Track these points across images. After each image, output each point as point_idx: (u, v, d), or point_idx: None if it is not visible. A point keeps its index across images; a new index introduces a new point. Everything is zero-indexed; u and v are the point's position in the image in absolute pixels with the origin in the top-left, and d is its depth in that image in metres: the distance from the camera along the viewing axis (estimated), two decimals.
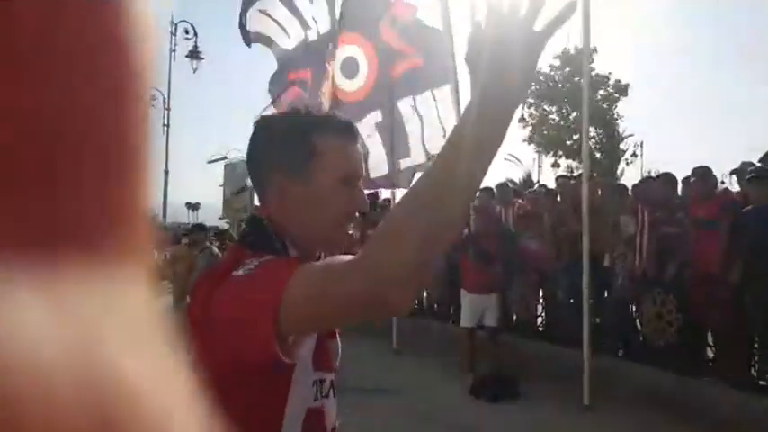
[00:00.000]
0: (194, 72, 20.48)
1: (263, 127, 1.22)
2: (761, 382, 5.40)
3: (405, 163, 6.43)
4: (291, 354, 0.98)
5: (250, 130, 1.26)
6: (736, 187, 6.70)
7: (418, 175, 6.66)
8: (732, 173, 6.10)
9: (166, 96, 21.11)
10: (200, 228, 8.06)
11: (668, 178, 6.15)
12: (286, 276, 0.92)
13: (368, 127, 6.38)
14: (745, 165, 6.05)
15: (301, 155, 1.13)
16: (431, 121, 6.31)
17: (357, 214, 1.21)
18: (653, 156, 62.11)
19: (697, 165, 6.05)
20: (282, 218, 1.15)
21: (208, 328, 1.02)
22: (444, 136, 6.39)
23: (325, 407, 1.14)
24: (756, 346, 5.52)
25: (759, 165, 5.66)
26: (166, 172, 21.75)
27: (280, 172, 1.14)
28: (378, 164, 6.45)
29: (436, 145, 6.34)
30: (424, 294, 9.43)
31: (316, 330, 1.09)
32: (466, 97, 0.96)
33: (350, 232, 1.26)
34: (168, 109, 21.07)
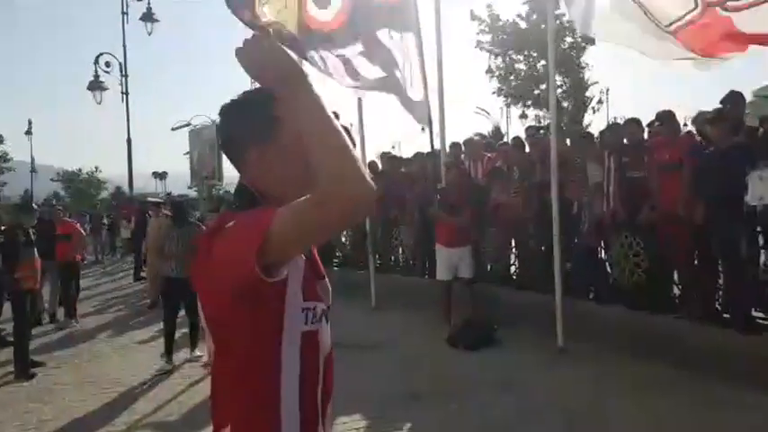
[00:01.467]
0: (149, 35, 19.80)
1: (228, 111, 1.44)
2: (725, 315, 5.60)
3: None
4: (279, 274, 1.23)
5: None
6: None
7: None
8: (692, 122, 6.18)
9: (122, 62, 20.40)
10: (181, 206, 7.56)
11: (634, 122, 6.22)
12: (270, 213, 1.18)
13: (353, 57, 6.47)
14: (701, 114, 6.13)
15: (266, 123, 1.36)
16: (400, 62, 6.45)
17: None
18: (619, 103, 62.59)
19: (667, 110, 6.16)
20: (263, 183, 1.39)
21: (209, 272, 1.28)
22: (411, 83, 6.54)
23: (320, 330, 1.38)
24: (721, 281, 5.71)
25: (717, 107, 5.73)
26: (129, 141, 21.23)
27: (253, 143, 1.38)
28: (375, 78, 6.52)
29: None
30: (400, 251, 9.53)
31: (304, 247, 1.32)
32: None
33: None
34: (126, 75, 20.41)
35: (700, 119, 6.17)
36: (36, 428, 5.06)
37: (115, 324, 9.29)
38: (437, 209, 7.17)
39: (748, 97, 6.37)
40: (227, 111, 1.44)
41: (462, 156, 8.57)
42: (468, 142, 8.87)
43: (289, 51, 1.26)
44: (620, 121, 7.39)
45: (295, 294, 1.30)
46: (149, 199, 14.48)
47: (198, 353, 6.65)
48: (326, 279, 1.50)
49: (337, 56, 6.51)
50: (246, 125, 1.39)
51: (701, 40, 4.50)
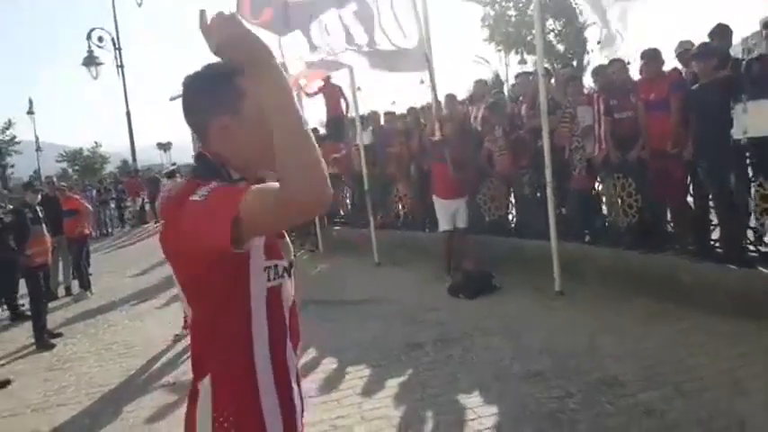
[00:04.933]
0: (140, 6, 19.62)
1: (192, 82, 1.49)
2: (718, 250, 5.68)
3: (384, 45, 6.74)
4: (247, 246, 1.33)
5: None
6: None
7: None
8: (677, 56, 6.12)
9: (115, 36, 20.30)
10: None
11: (618, 62, 6.18)
12: (241, 192, 1.26)
13: (347, 16, 6.70)
14: (684, 44, 6.06)
15: (231, 95, 1.44)
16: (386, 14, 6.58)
17: None
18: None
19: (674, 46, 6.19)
20: (225, 150, 1.47)
21: (180, 238, 1.36)
22: (400, 27, 6.64)
23: (283, 284, 1.52)
24: (713, 216, 5.76)
25: (703, 42, 5.68)
26: (128, 113, 21.28)
27: (217, 114, 1.45)
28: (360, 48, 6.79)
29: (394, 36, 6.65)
30: (399, 207, 9.65)
31: (269, 230, 1.40)
32: None
33: None
34: (119, 49, 20.32)
35: (679, 48, 6.13)
36: (56, 394, 5.32)
37: (128, 293, 9.53)
38: (450, 166, 7.12)
39: (757, 26, 6.23)
40: (191, 82, 1.48)
41: (459, 105, 8.65)
42: (477, 83, 9.07)
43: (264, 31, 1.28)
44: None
45: (258, 255, 1.43)
46: (168, 169, 14.73)
47: None
48: (286, 238, 1.63)
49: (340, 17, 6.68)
50: (210, 97, 1.45)
51: None
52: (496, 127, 7.35)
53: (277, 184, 1.24)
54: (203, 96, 1.46)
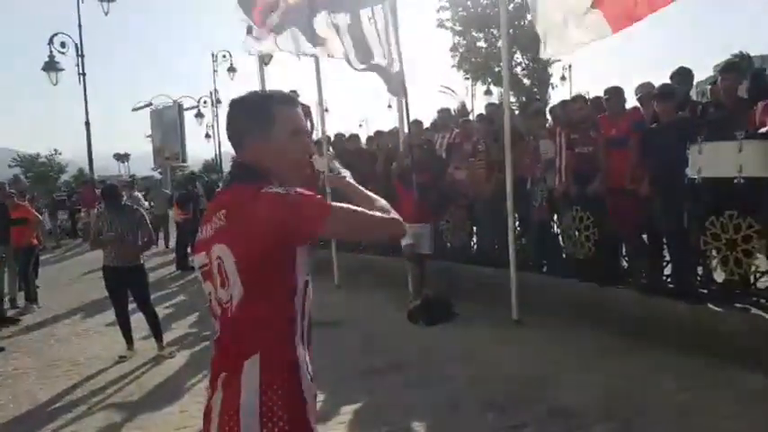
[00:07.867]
0: (106, 15, 19.34)
1: (237, 105, 1.78)
2: (670, 286, 5.81)
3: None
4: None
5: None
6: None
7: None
8: (637, 99, 6.31)
9: (79, 43, 19.93)
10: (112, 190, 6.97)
11: (580, 98, 6.37)
12: (325, 201, 1.63)
13: (343, 25, 7.05)
14: (645, 86, 6.27)
15: (265, 123, 1.73)
16: (374, 34, 6.85)
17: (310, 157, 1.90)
18: (583, 78, 62.81)
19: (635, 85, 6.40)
20: (261, 163, 1.72)
21: (254, 226, 1.58)
22: (384, 53, 6.84)
23: (309, 281, 1.74)
24: (665, 253, 5.92)
25: (664, 83, 5.89)
26: (87, 124, 20.79)
27: (253, 135, 1.74)
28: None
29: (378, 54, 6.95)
30: None
31: (345, 237, 1.85)
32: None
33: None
34: (82, 56, 19.95)
35: (640, 90, 6.32)
36: None
37: (77, 308, 9.22)
38: (415, 191, 7.14)
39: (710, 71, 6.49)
40: (234, 105, 1.79)
41: (427, 131, 8.74)
42: (441, 112, 9.20)
43: None
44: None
45: (304, 251, 1.68)
46: (125, 180, 14.37)
47: (169, 348, 6.43)
48: None
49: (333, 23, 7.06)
50: (246, 121, 1.75)
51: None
52: (481, 141, 7.41)
53: (362, 211, 1.70)
54: (241, 119, 1.76)
